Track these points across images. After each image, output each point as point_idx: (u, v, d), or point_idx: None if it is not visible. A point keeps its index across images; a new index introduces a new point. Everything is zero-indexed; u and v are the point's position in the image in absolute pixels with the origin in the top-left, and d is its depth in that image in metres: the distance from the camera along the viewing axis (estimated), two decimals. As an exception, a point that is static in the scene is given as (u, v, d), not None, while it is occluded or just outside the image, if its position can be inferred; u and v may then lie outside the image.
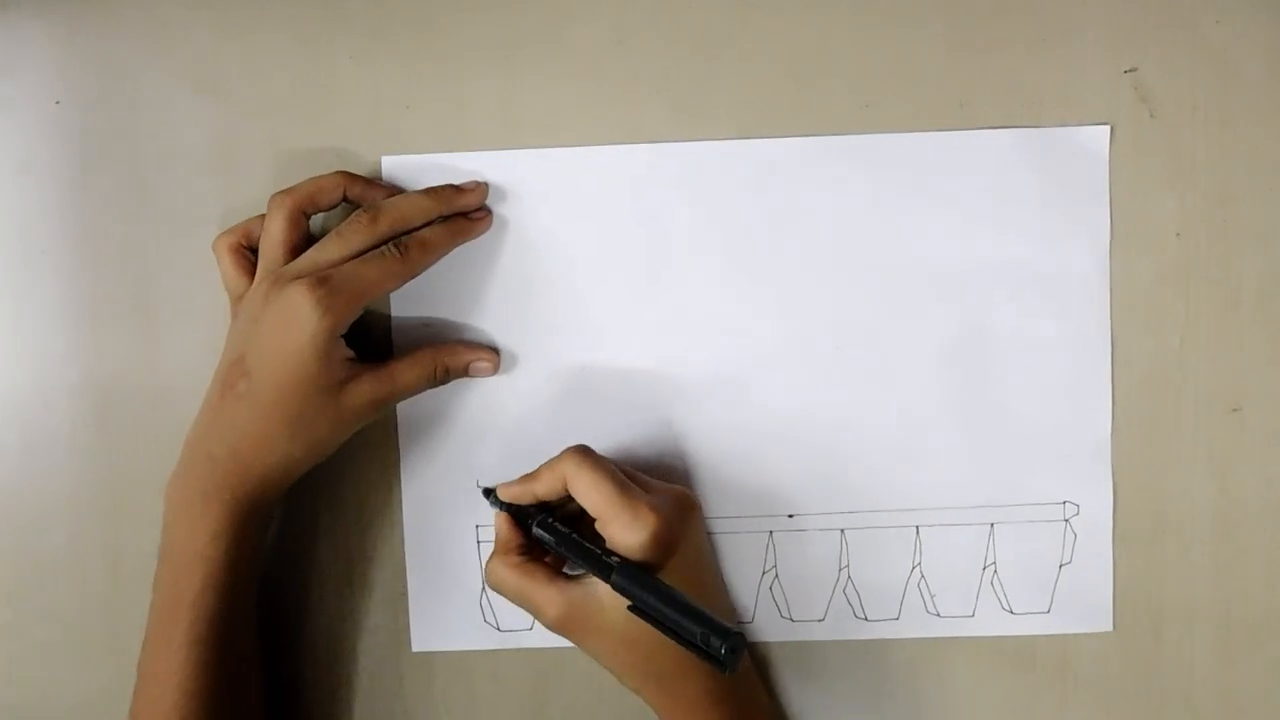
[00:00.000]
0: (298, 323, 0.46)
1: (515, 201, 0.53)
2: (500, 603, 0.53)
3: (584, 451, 0.48)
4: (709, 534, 0.52)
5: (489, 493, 0.51)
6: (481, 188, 0.52)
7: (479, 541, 0.54)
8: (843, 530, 0.53)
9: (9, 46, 0.53)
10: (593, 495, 0.46)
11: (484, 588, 0.54)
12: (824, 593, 0.54)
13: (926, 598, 0.53)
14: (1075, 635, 0.53)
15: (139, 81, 0.53)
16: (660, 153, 0.52)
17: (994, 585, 0.53)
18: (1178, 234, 0.52)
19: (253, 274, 0.50)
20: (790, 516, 0.53)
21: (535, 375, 0.53)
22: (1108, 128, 0.52)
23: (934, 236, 0.52)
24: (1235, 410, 0.53)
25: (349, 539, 0.54)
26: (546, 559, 0.49)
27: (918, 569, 0.53)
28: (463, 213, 0.51)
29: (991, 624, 0.53)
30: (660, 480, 0.50)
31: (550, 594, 0.47)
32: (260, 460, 0.48)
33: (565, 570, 0.49)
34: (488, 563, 0.49)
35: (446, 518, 0.54)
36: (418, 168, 0.52)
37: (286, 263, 0.49)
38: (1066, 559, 0.53)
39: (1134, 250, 0.52)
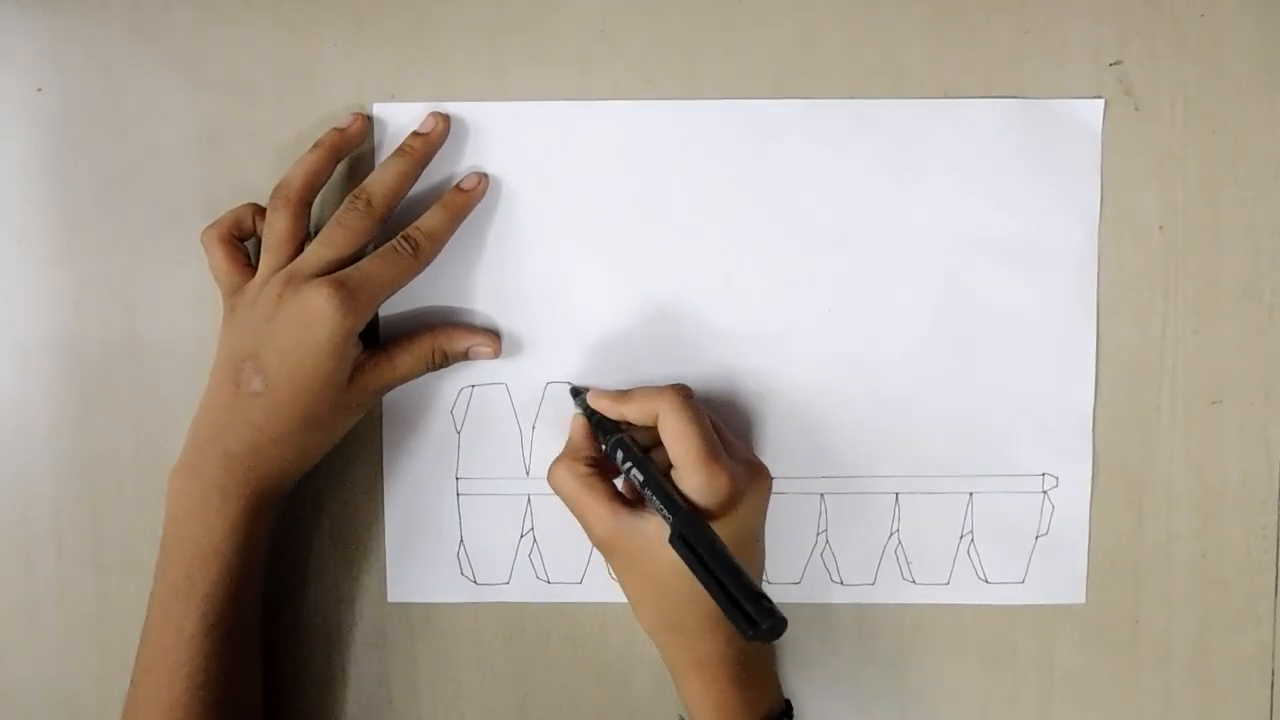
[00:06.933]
0: (319, 324, 0.46)
1: (504, 159, 0.52)
2: (478, 556, 0.53)
3: (684, 395, 0.48)
4: (766, 511, 0.50)
5: (577, 392, 0.51)
6: (439, 127, 0.51)
7: (458, 494, 0.54)
8: (822, 495, 0.53)
9: (-10, 32, 0.52)
10: (679, 445, 0.46)
11: (461, 539, 0.54)
12: (801, 556, 0.54)
13: (903, 564, 0.54)
14: (1051, 611, 0.53)
15: (121, 68, 0.52)
16: (651, 110, 0.52)
17: (970, 554, 0.53)
18: (1160, 227, 0.52)
19: (245, 265, 0.50)
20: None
21: (519, 336, 0.53)
22: (1102, 101, 0.52)
23: (926, 203, 0.52)
24: (1215, 403, 0.53)
25: (330, 503, 0.54)
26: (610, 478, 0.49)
27: (895, 535, 0.53)
28: (458, 186, 0.51)
29: (967, 593, 0.53)
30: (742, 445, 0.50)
31: (604, 514, 0.47)
32: (280, 455, 0.48)
33: (623, 492, 0.49)
34: (553, 463, 0.49)
35: (427, 470, 0.53)
36: (410, 116, 0.52)
37: (293, 257, 0.49)
38: (1043, 530, 0.53)
39: (1117, 242, 0.52)
